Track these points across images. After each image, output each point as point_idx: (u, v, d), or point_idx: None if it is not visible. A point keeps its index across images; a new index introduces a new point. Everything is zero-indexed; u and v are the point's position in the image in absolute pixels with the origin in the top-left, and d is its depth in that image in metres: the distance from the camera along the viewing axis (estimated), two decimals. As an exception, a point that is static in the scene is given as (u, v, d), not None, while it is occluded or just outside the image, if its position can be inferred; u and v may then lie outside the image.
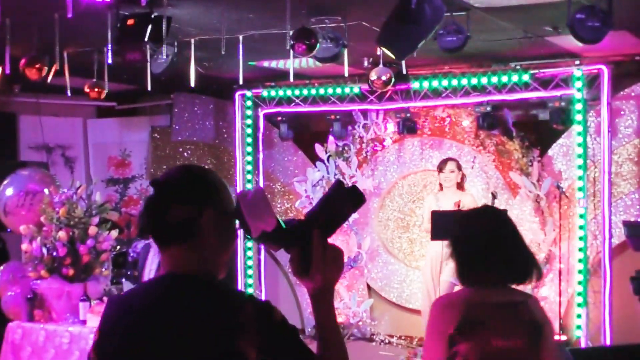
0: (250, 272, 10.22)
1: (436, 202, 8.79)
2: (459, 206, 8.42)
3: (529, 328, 3.17)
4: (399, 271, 9.99)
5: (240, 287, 10.13)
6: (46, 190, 7.74)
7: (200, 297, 2.15)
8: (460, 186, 8.92)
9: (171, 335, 2.11)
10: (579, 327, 8.65)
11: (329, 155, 10.23)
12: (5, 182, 8.25)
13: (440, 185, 8.95)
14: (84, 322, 7.12)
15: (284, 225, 2.13)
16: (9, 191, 8.12)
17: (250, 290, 10.11)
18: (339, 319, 9.25)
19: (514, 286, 3.27)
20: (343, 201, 2.14)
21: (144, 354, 2.14)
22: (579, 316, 8.67)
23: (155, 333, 2.13)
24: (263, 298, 9.96)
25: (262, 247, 10.28)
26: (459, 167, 8.88)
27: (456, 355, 3.14)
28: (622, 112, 8.93)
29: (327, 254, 2.15)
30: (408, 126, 9.56)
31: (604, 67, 8.57)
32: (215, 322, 2.09)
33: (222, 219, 2.23)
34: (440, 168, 8.90)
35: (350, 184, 2.14)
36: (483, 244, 3.26)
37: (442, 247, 8.49)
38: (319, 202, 2.16)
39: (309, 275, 2.15)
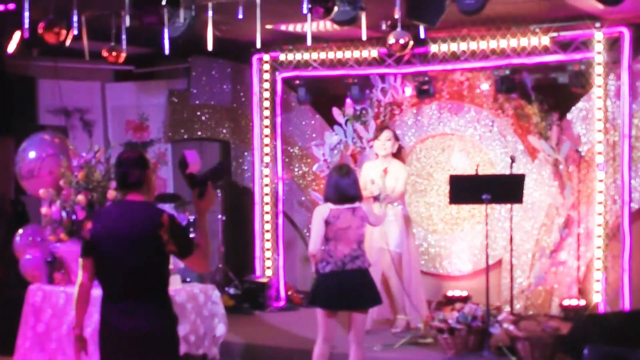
0: (267, 236, 10.23)
1: (370, 170, 8.56)
2: (386, 173, 8.30)
3: (360, 218, 6.46)
4: (417, 235, 9.95)
5: (258, 250, 10.21)
6: (62, 156, 7.76)
7: (144, 209, 4.50)
8: (396, 156, 8.68)
9: (131, 226, 4.42)
10: (597, 291, 8.60)
11: (347, 119, 10.18)
12: (22, 147, 8.26)
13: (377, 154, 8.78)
14: (103, 285, 7.16)
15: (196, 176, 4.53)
16: (31, 154, 8.13)
17: (268, 254, 10.16)
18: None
19: (353, 204, 6.47)
20: (221, 172, 4.91)
21: (118, 234, 4.43)
22: (597, 281, 8.62)
23: (124, 225, 4.44)
24: (281, 261, 10.09)
25: (281, 212, 10.28)
26: (396, 138, 8.68)
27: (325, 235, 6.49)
28: (643, 75, 8.83)
29: (209, 193, 4.47)
30: (426, 90, 9.50)
31: (624, 30, 8.46)
32: (150, 220, 4.41)
33: (151, 176, 4.66)
34: (376, 136, 8.76)
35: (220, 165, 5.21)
36: (333, 183, 6.52)
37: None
38: (211, 168, 4.64)
39: (202, 201, 4.47)
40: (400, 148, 8.81)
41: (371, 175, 8.49)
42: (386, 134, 8.61)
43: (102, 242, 4.54)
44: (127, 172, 4.55)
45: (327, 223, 6.46)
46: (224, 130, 10.83)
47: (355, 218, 6.47)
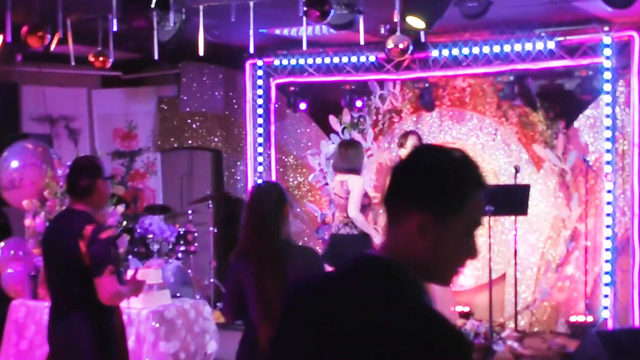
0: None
1: None
2: None
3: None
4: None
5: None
6: (44, 166, 7.71)
7: (77, 219, 4.52)
8: None
9: (59, 236, 4.57)
10: (606, 307, 8.50)
11: (344, 127, 10.07)
12: (4, 155, 8.21)
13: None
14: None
15: None
16: (13, 164, 8.10)
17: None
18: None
19: None
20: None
21: (49, 244, 4.69)
22: (606, 296, 8.51)
23: (55, 234, 4.68)
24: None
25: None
26: (420, 141, 8.51)
27: None
28: (653, 82, 8.73)
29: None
30: (425, 101, 9.33)
31: (634, 34, 8.34)
32: (74, 230, 4.45)
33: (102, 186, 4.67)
34: (401, 144, 8.55)
35: None
36: None
37: None
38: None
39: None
40: None
41: None
42: (411, 140, 8.42)
43: (42, 252, 4.83)
44: (76, 179, 4.59)
45: None
46: (216, 139, 10.75)
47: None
